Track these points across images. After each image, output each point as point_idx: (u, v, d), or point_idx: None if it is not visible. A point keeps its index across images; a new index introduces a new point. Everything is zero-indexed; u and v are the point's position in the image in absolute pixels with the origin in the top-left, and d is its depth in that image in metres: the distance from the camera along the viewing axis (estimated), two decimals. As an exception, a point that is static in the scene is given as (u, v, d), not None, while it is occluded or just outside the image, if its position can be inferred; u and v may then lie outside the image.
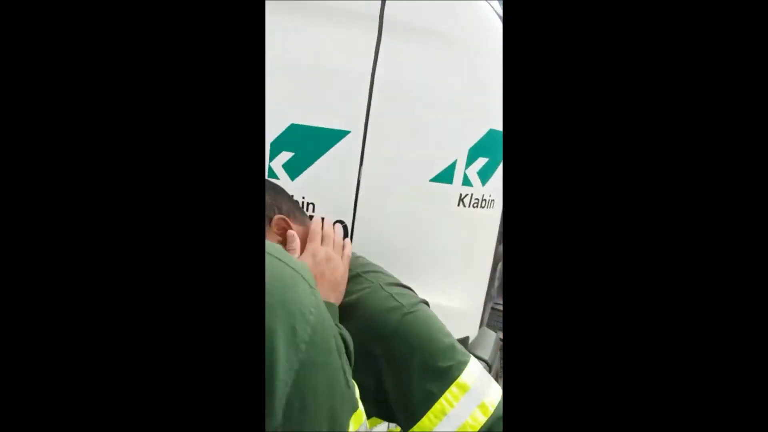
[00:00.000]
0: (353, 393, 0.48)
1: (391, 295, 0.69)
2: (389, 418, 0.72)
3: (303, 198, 0.89)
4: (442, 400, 0.64)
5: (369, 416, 0.73)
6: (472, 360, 0.67)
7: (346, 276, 0.70)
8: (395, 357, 0.66)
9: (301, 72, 0.82)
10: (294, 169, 0.88)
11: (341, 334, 0.60)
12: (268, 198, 0.72)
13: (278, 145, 0.87)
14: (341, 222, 0.90)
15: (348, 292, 0.70)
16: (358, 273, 0.73)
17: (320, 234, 0.70)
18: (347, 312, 0.69)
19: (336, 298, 0.67)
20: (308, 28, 0.78)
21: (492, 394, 0.66)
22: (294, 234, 0.70)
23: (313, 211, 0.90)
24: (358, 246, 0.91)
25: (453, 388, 0.64)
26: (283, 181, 0.88)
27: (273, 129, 0.85)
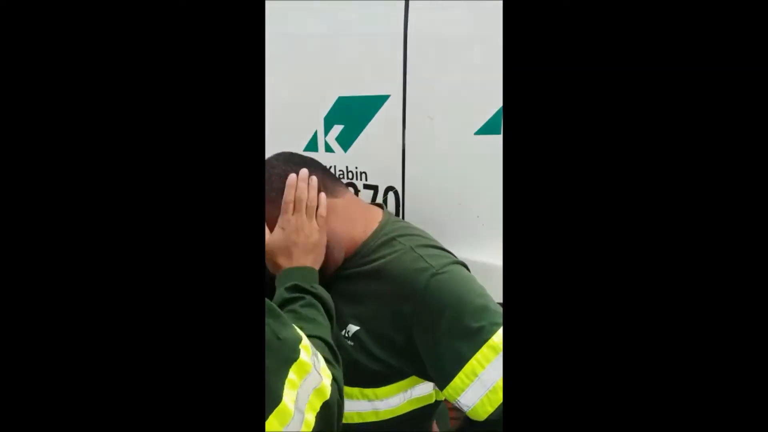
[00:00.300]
0: (287, 345, 0.49)
1: (421, 256, 0.68)
2: (427, 378, 0.72)
3: (356, 167, 0.92)
4: (473, 361, 0.62)
5: (406, 375, 0.72)
6: None
7: (323, 238, 0.72)
8: (424, 317, 0.65)
9: (340, 44, 0.86)
10: (346, 141, 0.92)
11: (317, 294, 0.65)
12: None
13: (330, 120, 0.91)
14: (392, 189, 0.91)
15: (380, 256, 0.71)
16: (393, 237, 0.73)
17: (291, 204, 0.71)
18: (377, 273, 0.70)
19: (313, 260, 0.70)
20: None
21: None
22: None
23: (366, 179, 0.92)
24: (409, 210, 0.90)
25: (484, 349, 0.62)
26: (338, 153, 0.92)
27: (324, 104, 0.90)
